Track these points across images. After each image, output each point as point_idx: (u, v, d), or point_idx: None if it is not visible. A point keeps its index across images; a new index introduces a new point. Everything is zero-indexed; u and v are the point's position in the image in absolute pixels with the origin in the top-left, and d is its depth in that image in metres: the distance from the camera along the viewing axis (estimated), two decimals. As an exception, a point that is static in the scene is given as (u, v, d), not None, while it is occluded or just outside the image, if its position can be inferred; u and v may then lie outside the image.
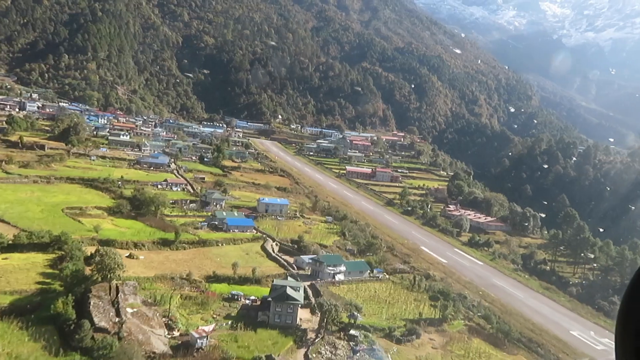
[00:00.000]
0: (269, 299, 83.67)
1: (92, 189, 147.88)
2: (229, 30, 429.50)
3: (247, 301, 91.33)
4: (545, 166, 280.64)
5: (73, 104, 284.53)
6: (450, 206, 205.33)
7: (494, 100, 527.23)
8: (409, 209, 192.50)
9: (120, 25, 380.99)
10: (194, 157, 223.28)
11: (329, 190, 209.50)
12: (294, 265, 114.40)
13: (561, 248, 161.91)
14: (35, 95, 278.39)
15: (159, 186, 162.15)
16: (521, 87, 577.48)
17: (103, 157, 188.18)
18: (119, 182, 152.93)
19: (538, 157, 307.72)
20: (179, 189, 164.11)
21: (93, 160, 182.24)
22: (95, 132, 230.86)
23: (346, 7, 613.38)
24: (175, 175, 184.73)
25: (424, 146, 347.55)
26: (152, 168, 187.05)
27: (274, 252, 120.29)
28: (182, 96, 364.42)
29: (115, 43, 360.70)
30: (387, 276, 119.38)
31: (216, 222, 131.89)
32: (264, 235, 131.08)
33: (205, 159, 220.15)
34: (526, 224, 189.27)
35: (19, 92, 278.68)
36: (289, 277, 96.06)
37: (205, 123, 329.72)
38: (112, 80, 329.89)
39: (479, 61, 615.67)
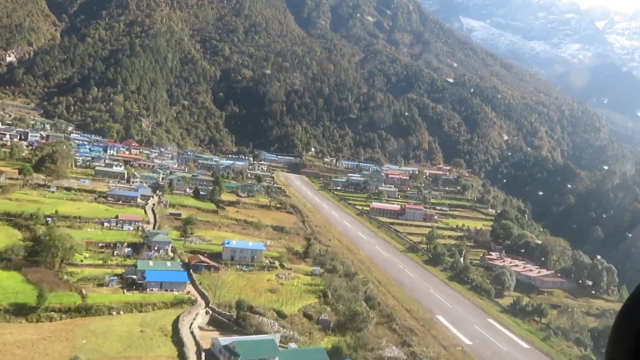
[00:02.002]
0: None
1: (8, 226, 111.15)
2: (269, 63, 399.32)
3: None
4: (621, 194, 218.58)
5: (85, 134, 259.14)
6: (493, 253, 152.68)
7: (557, 133, 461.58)
8: (436, 256, 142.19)
9: (157, 59, 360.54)
10: (188, 190, 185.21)
11: (339, 230, 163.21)
12: (208, 352, 69.40)
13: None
14: (47, 126, 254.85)
15: (105, 224, 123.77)
16: (588, 119, 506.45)
17: (68, 189, 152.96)
18: (48, 219, 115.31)
19: (610, 192, 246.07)
20: (130, 228, 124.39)
21: (52, 192, 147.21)
22: (88, 163, 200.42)
23: (396, 41, 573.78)
24: (144, 210, 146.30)
25: (472, 181, 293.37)
26: (120, 202, 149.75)
27: (191, 326, 75.75)
28: (213, 129, 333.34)
29: (148, 76, 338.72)
30: (363, 373, 71.45)
31: (135, 276, 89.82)
32: (196, 297, 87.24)
33: (201, 193, 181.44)
34: (597, 281, 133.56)
35: (32, 123, 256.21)
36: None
37: (230, 156, 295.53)
38: (138, 113, 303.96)
39: (540, 92, 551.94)
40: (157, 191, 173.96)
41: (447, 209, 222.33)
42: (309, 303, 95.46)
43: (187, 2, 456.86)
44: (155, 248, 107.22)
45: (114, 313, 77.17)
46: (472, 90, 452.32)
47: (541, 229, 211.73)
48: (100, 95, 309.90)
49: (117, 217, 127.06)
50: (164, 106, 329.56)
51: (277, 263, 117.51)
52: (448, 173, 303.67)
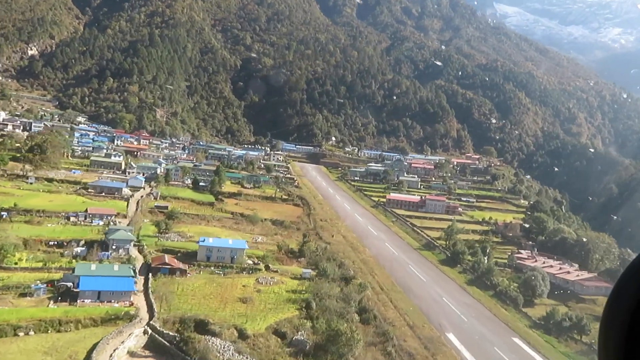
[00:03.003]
0: None
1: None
2: (291, 52, 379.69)
3: None
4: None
5: (93, 125, 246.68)
6: (523, 251, 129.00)
7: (597, 119, 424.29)
8: (455, 255, 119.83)
9: (176, 49, 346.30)
10: (188, 181, 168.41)
11: (347, 225, 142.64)
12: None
13: None
14: (56, 117, 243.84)
15: (72, 218, 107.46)
16: (631, 104, 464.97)
17: (50, 180, 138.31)
18: (3, 213, 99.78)
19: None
20: (101, 223, 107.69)
21: (30, 183, 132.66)
22: (87, 153, 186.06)
23: (424, 28, 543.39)
24: (128, 203, 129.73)
25: (504, 170, 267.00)
26: (103, 193, 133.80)
27: (113, 354, 57.26)
28: (230, 119, 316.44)
29: (165, 66, 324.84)
30: None
31: (69, 284, 72.15)
32: (139, 311, 68.74)
33: (201, 184, 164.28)
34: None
35: (41, 114, 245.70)
36: None
37: (247, 146, 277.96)
38: (152, 103, 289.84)
39: (578, 78, 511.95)
40: (152, 182, 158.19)
41: (474, 200, 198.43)
42: (286, 317, 75.68)
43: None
44: (114, 247, 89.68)
45: (21, 334, 59.47)
46: (504, 75, 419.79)
47: (580, 222, 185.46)
48: (115, 85, 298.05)
49: (86, 210, 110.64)
50: (180, 96, 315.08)
51: (262, 264, 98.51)
52: (477, 162, 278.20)
